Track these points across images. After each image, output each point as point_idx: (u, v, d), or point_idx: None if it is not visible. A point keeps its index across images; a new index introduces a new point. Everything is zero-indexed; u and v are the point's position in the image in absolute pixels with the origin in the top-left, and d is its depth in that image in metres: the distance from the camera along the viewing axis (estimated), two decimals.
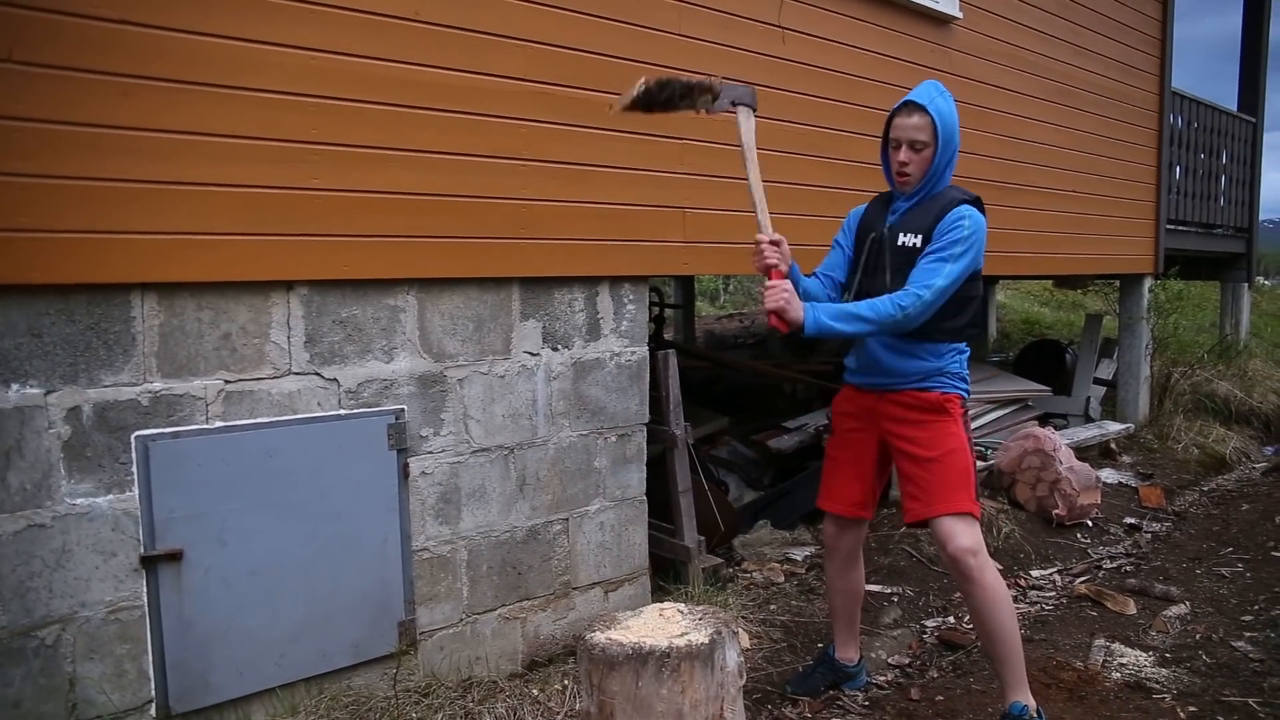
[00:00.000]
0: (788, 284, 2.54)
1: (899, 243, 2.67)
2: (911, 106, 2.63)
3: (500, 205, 3.04)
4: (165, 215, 2.38)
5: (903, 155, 2.64)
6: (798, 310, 2.49)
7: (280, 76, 2.55)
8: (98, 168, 2.27)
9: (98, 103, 2.26)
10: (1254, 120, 8.68)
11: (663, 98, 2.59)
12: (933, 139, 2.61)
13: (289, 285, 2.64)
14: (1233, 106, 8.64)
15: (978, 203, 2.66)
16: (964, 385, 2.74)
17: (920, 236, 2.63)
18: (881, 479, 2.92)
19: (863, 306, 2.52)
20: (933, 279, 2.53)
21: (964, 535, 2.58)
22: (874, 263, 2.73)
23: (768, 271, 2.59)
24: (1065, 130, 5.86)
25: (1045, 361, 7.56)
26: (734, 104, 2.71)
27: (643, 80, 2.55)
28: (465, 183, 2.95)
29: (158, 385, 2.42)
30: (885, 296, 2.54)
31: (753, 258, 2.62)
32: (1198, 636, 3.52)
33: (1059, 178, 5.83)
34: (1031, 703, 2.63)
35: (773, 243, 2.61)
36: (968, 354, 2.77)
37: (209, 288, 2.49)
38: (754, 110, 2.72)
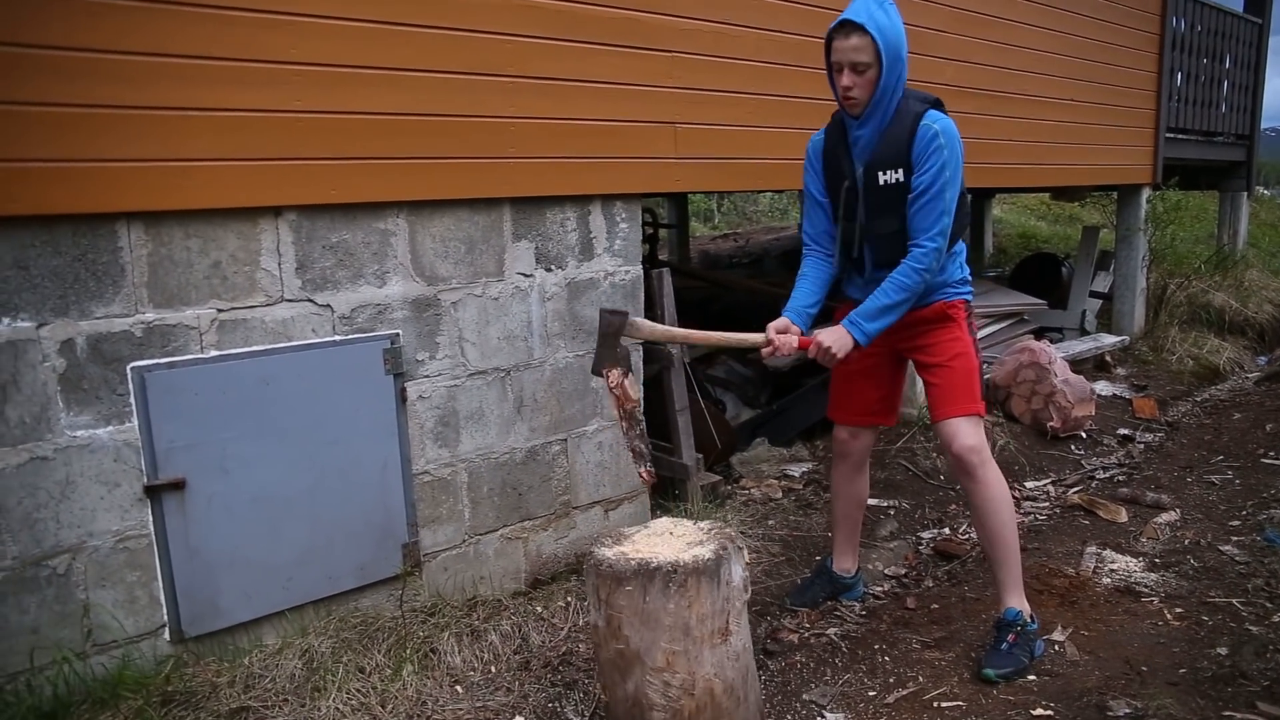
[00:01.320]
0: (818, 337, 2.57)
1: (880, 183, 2.58)
2: (848, 26, 2.44)
3: (488, 124, 2.98)
4: (144, 142, 2.33)
5: (845, 79, 2.49)
6: (844, 342, 2.55)
7: None
8: (69, 93, 2.21)
9: (61, 24, 2.18)
10: (1260, 22, 8.47)
11: None
12: (875, 59, 2.45)
13: (277, 211, 2.60)
14: (1238, 7, 8.41)
15: (939, 105, 2.57)
16: (966, 289, 2.75)
17: (900, 170, 2.54)
18: (899, 383, 2.96)
19: (890, 291, 2.55)
20: (935, 223, 2.52)
21: (968, 434, 2.64)
22: (867, 207, 2.63)
23: (796, 349, 2.59)
24: (1062, 36, 5.71)
25: (1041, 275, 7.53)
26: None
27: None
28: (451, 102, 2.88)
29: (150, 316, 2.40)
30: (904, 267, 2.54)
31: (772, 358, 2.62)
32: (1186, 542, 3.59)
33: (1056, 85, 5.71)
34: (1026, 608, 2.70)
35: (775, 338, 2.57)
36: (964, 253, 2.77)
37: (196, 215, 2.45)
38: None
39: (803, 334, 2.63)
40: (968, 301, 2.74)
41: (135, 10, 2.28)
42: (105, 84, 2.26)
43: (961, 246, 2.74)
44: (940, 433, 2.71)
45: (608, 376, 2.57)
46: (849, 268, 2.80)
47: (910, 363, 2.89)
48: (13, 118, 2.14)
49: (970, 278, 2.78)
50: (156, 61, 2.33)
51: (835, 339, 2.55)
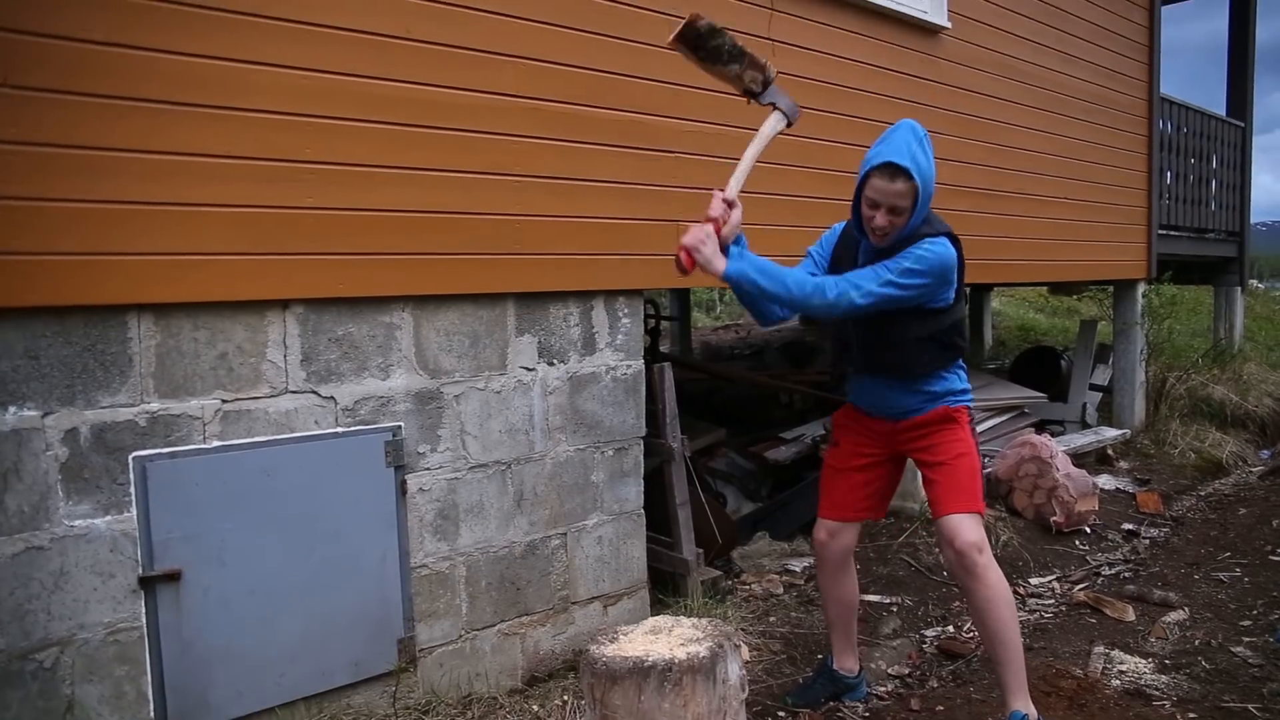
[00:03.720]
0: (711, 230, 2.44)
1: None
2: (894, 170, 2.44)
3: (494, 221, 3.05)
4: (160, 236, 2.39)
5: (880, 220, 2.50)
6: (718, 257, 2.43)
7: (273, 96, 2.56)
8: (92, 189, 2.28)
9: (91, 124, 2.27)
10: (1242, 125, 8.73)
11: (712, 45, 2.47)
12: (913, 203, 2.49)
13: (285, 304, 2.64)
14: (1221, 110, 8.69)
15: (951, 236, 2.60)
16: (967, 396, 2.80)
17: None
18: (894, 481, 2.97)
19: (790, 277, 2.49)
20: (870, 284, 2.49)
21: (969, 530, 2.62)
22: None
23: (708, 220, 2.46)
24: (1055, 137, 5.89)
25: (1041, 368, 7.57)
26: (775, 106, 2.62)
27: (698, 14, 2.45)
28: (458, 199, 2.96)
29: (155, 406, 2.42)
30: (821, 279, 2.53)
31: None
32: (1197, 642, 3.52)
33: (1050, 185, 5.86)
34: (1032, 711, 2.63)
35: (727, 201, 2.50)
36: (964, 367, 2.84)
37: (205, 308, 2.49)
38: (788, 124, 2.64)
39: (723, 226, 2.48)
40: (969, 407, 2.80)
41: (161, 112, 2.37)
42: (128, 181, 2.33)
43: (961, 362, 2.80)
44: (941, 529, 2.70)
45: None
46: (846, 364, 2.87)
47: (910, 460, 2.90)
48: (38, 213, 2.21)
49: (970, 385, 2.83)
50: (177, 160, 2.41)
51: (713, 250, 2.43)
